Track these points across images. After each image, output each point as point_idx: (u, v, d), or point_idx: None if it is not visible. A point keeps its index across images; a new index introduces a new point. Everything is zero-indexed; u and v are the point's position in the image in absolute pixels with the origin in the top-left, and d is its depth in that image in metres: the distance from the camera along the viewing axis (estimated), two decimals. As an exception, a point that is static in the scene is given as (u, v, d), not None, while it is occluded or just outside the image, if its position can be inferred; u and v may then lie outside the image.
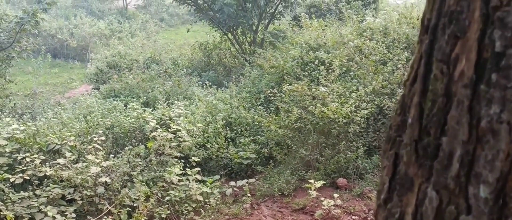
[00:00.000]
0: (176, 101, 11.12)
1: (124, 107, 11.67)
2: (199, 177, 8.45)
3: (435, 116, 0.80)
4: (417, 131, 0.84)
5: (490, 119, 0.72)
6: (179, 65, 17.50)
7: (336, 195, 7.85)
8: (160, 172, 8.28)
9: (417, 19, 12.07)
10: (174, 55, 20.34)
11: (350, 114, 8.78)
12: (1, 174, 7.42)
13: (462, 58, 0.77)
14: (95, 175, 7.58)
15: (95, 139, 8.61)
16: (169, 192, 7.88)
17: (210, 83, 14.18)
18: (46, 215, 6.81)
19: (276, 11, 19.18)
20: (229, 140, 10.28)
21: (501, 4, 0.71)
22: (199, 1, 18.39)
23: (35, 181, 7.47)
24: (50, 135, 8.69)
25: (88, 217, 7.31)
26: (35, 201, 7.05)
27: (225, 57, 19.31)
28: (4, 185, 7.27)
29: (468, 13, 0.76)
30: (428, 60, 0.84)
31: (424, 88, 0.84)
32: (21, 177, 7.41)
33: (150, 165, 8.48)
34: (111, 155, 8.83)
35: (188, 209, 7.87)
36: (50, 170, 7.58)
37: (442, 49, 0.80)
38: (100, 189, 7.55)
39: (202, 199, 8.01)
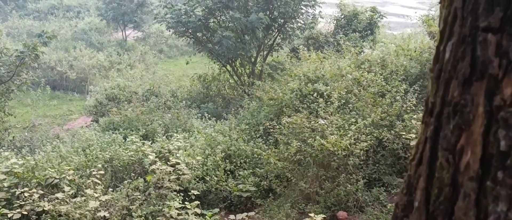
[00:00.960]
0: (175, 134, 11.12)
1: (123, 140, 11.65)
2: (198, 210, 8.39)
3: (442, 204, 0.81)
4: (425, 216, 0.85)
5: (497, 216, 0.72)
6: (178, 98, 17.56)
7: (336, 229, 7.79)
8: (159, 205, 8.22)
9: (415, 51, 12.19)
10: (173, 86, 20.42)
11: (349, 146, 8.77)
12: (-1, 209, 7.36)
13: (467, 150, 0.77)
14: (93, 210, 7.53)
15: (94, 172, 8.58)
16: (168, 226, 7.81)
17: (209, 115, 14.20)
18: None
19: (275, 43, 19.35)
20: (229, 172, 10.25)
21: (504, 103, 0.72)
22: (198, 34, 18.56)
23: (33, 216, 7.41)
24: (49, 169, 8.66)
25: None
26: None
27: (224, 89, 19.38)
28: (2, 220, 7.21)
29: (472, 107, 0.77)
30: (433, 145, 0.85)
31: (430, 173, 0.85)
32: (19, 213, 7.35)
33: (149, 199, 8.43)
34: (110, 189, 8.78)
35: (187, 244, 7.80)
36: (48, 205, 7.53)
37: (447, 138, 0.81)
38: (99, 224, 7.49)
39: (201, 233, 7.94)
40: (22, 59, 14.34)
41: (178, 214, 8.08)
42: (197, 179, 9.75)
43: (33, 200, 7.58)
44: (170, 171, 8.74)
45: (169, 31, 19.40)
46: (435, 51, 0.88)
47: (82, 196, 8.00)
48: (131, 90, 18.79)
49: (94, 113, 18.22)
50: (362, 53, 13.77)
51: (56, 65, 26.37)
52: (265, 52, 19.51)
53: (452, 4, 0.82)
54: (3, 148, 11.67)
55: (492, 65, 0.72)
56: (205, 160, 10.29)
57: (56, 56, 27.01)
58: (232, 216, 8.68)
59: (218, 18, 18.64)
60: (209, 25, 18.60)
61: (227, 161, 10.45)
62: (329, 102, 10.18)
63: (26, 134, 17.50)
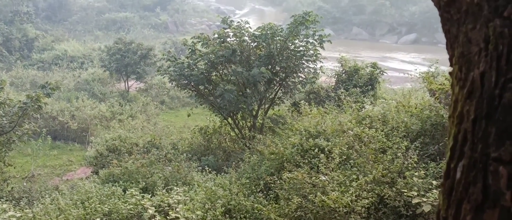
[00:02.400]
0: (175, 187, 11.06)
1: (123, 193, 11.57)
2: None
3: None
4: None
5: None
6: (179, 150, 17.54)
7: None
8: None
9: (415, 108, 12.26)
10: (174, 138, 20.43)
11: (350, 203, 8.70)
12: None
13: None
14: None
15: (92, 227, 8.49)
16: None
17: (209, 168, 14.15)
18: None
19: (276, 96, 19.50)
20: (228, 228, 10.12)
21: None
22: (200, 87, 18.73)
23: None
24: (47, 222, 8.57)
25: None
26: None
27: (225, 142, 19.38)
28: None
29: None
30: None
31: None
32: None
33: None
34: (108, 244, 8.67)
35: None
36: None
37: None
38: None
39: None
40: (25, 110, 14.44)
41: None
42: (197, 235, 9.62)
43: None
44: (169, 226, 8.65)
45: (172, 83, 19.59)
46: (445, 168, 0.90)
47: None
48: (132, 141, 18.80)
49: (94, 164, 18.16)
50: (363, 109, 13.84)
51: (58, 115, 26.47)
52: (266, 106, 19.63)
53: (462, 124, 0.85)
54: (1, 199, 11.57)
55: (504, 197, 0.73)
56: (205, 214, 10.18)
57: (58, 106, 27.16)
58: None
59: (221, 71, 18.86)
60: (211, 78, 18.80)
61: (227, 215, 10.34)
62: (330, 158, 10.17)
63: (24, 184, 17.39)
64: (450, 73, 1.10)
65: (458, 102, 0.92)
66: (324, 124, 12.66)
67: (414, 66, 35.79)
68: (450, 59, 1.11)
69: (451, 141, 0.90)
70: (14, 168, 16.77)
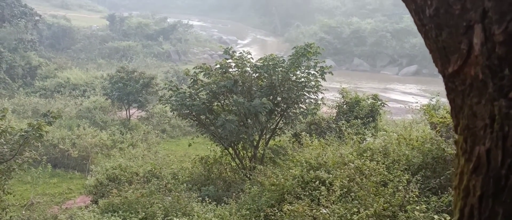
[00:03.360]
0: (175, 218, 10.99)
1: (122, 223, 11.50)
2: None
3: None
4: None
5: None
6: (179, 180, 17.48)
7: None
8: None
9: (417, 141, 12.26)
10: (174, 168, 20.37)
11: (351, 237, 8.64)
12: None
13: None
14: None
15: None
16: None
17: (210, 199, 14.08)
18: None
19: (277, 127, 19.51)
20: (228, 260, 10.02)
21: None
22: (201, 116, 18.76)
23: None
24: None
25: None
26: None
27: (225, 172, 19.32)
28: None
29: None
30: None
31: None
32: None
33: None
34: None
35: None
36: None
37: None
38: None
39: None
40: (26, 138, 14.44)
41: None
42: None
43: None
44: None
45: (173, 113, 19.63)
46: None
47: None
48: (132, 170, 18.74)
49: (94, 192, 18.07)
50: (364, 141, 13.85)
51: (59, 143, 26.44)
52: (267, 136, 19.64)
53: (468, 198, 0.86)
54: (0, 228, 11.49)
55: None
56: (205, 246, 10.10)
57: (59, 134, 27.15)
58: None
59: (222, 101, 18.93)
60: (213, 108, 18.85)
61: (227, 248, 10.25)
62: (331, 191, 10.13)
63: (23, 212, 17.29)
64: (455, 141, 1.12)
65: (464, 175, 0.93)
66: (325, 155, 12.65)
67: (415, 98, 35.93)
68: (455, 128, 1.13)
69: (457, 213, 0.91)
70: (14, 196, 16.69)
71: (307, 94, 18.84)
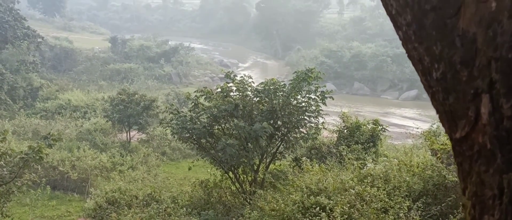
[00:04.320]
0: (174, 244, 10.90)
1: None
2: None
3: None
4: None
5: None
6: (179, 204, 17.39)
7: None
8: None
9: (417, 167, 12.23)
10: (174, 191, 20.29)
11: (352, 265, 8.56)
12: None
13: None
14: None
15: None
16: None
17: (209, 224, 13.99)
18: None
19: (278, 151, 19.49)
20: None
21: None
22: (202, 140, 18.75)
23: None
24: None
25: None
26: None
27: (225, 196, 19.23)
28: None
29: None
30: None
31: None
32: None
33: None
34: None
35: None
36: None
37: None
38: None
39: None
40: (26, 161, 14.41)
41: None
42: None
43: None
44: None
45: (174, 136, 19.63)
46: None
47: None
48: (131, 194, 18.66)
49: (92, 216, 17.97)
50: (365, 166, 13.81)
51: (59, 165, 26.38)
52: (268, 160, 19.60)
53: None
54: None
55: None
56: None
57: (59, 156, 27.10)
58: None
59: (223, 125, 18.94)
60: (213, 132, 18.85)
61: None
62: (331, 217, 10.08)
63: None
64: (463, 205, 1.13)
65: None
66: (325, 181, 12.61)
67: (415, 122, 35.94)
68: (463, 191, 1.14)
69: None
70: (12, 219, 16.57)
71: (307, 118, 18.86)
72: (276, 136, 18.98)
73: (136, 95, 34.09)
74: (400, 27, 1.41)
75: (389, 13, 1.47)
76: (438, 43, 1.20)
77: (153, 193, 18.76)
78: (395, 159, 13.50)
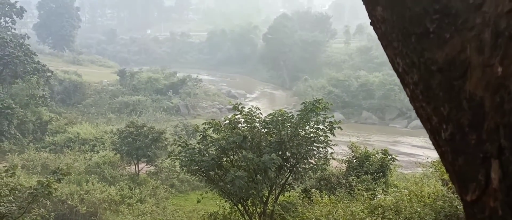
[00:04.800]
0: None
1: None
2: None
3: None
4: None
5: None
6: (188, 238, 17.26)
7: None
8: None
9: (428, 198, 12.10)
10: (182, 224, 20.17)
11: None
12: None
13: None
14: None
15: None
16: None
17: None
18: None
19: (286, 183, 19.37)
20: None
21: None
22: (210, 173, 18.70)
23: None
24: None
25: None
26: None
27: (235, 229, 19.08)
28: None
29: None
30: None
31: None
32: None
33: None
34: None
35: None
36: None
37: None
38: None
39: None
40: (35, 196, 14.41)
41: None
42: None
43: None
44: None
45: (182, 169, 19.59)
46: None
47: None
48: (140, 227, 18.55)
49: (101, 250, 17.85)
50: (375, 197, 13.68)
51: (67, 198, 26.33)
52: (277, 192, 19.46)
53: None
54: None
55: None
56: None
57: (68, 189, 27.08)
58: None
59: (231, 157, 18.89)
60: (222, 164, 18.79)
61: None
62: (342, 250, 9.95)
63: None
64: None
65: None
66: (335, 213, 12.50)
67: (424, 152, 35.70)
68: None
69: None
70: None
71: (316, 149, 18.79)
72: (285, 167, 18.90)
73: (145, 127, 34.21)
74: (407, 85, 1.42)
75: (396, 70, 1.48)
76: (446, 104, 1.21)
77: (162, 226, 18.64)
78: (405, 190, 13.37)
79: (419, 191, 12.97)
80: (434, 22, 1.23)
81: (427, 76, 1.27)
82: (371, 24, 1.55)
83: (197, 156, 18.08)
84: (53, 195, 21.04)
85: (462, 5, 1.17)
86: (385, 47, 1.49)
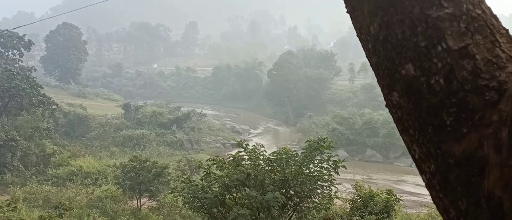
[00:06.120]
0: None
1: None
2: None
3: None
4: None
5: None
6: None
7: None
8: None
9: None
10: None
11: None
12: None
13: None
14: None
15: None
16: None
17: None
18: None
19: (290, 221, 19.16)
20: None
21: None
22: (213, 210, 18.52)
23: None
24: None
25: None
26: None
27: (237, 268, 18.74)
28: None
29: None
30: None
31: None
32: None
33: None
34: None
35: None
36: None
37: None
38: None
39: None
40: (36, 231, 14.29)
41: None
42: None
43: None
44: None
45: (185, 206, 19.43)
46: None
47: None
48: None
49: None
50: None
51: (68, 233, 26.12)
52: (280, 230, 19.23)
53: None
54: None
55: None
56: None
57: (69, 224, 26.88)
58: None
59: (234, 194, 18.74)
60: (225, 201, 18.64)
61: None
62: None
63: None
64: None
65: None
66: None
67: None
68: None
69: None
70: None
71: (320, 188, 18.63)
72: (288, 206, 18.71)
73: (148, 162, 34.12)
74: (424, 173, 1.42)
75: (412, 156, 1.48)
76: (463, 199, 1.20)
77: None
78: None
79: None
80: (451, 115, 1.24)
81: (445, 168, 1.27)
82: (386, 106, 1.55)
83: (200, 192, 17.95)
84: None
85: (478, 100, 1.18)
86: (401, 132, 1.49)
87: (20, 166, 40.88)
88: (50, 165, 43.25)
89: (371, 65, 1.58)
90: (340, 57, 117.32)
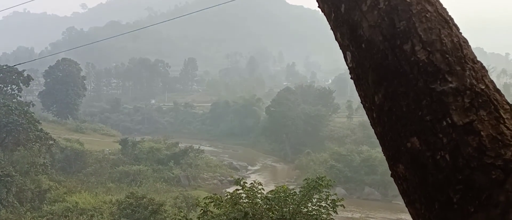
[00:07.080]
0: None
1: None
2: None
3: None
4: None
5: None
6: None
7: None
8: None
9: None
10: None
11: None
12: None
13: None
14: None
15: None
16: None
17: None
18: None
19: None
20: None
21: None
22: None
23: None
24: None
25: None
26: None
27: None
28: None
29: None
30: None
31: None
32: None
33: None
34: None
35: None
36: None
37: None
38: None
39: None
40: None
41: None
42: None
43: None
44: None
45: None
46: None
47: None
48: None
49: None
50: None
51: None
52: None
53: None
54: None
55: None
56: None
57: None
58: None
59: (232, 233, 18.49)
60: (222, 240, 18.39)
61: None
62: None
63: None
64: None
65: None
66: None
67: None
68: None
69: None
70: None
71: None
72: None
73: (144, 199, 33.84)
74: None
75: None
76: None
77: None
78: None
79: None
80: (458, 192, 1.24)
81: None
82: (392, 176, 1.54)
83: (196, 231, 17.70)
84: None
85: (485, 179, 1.18)
86: (406, 204, 1.47)
87: (15, 202, 40.42)
88: (45, 201, 42.79)
89: (375, 134, 1.57)
90: (338, 94, 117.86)
